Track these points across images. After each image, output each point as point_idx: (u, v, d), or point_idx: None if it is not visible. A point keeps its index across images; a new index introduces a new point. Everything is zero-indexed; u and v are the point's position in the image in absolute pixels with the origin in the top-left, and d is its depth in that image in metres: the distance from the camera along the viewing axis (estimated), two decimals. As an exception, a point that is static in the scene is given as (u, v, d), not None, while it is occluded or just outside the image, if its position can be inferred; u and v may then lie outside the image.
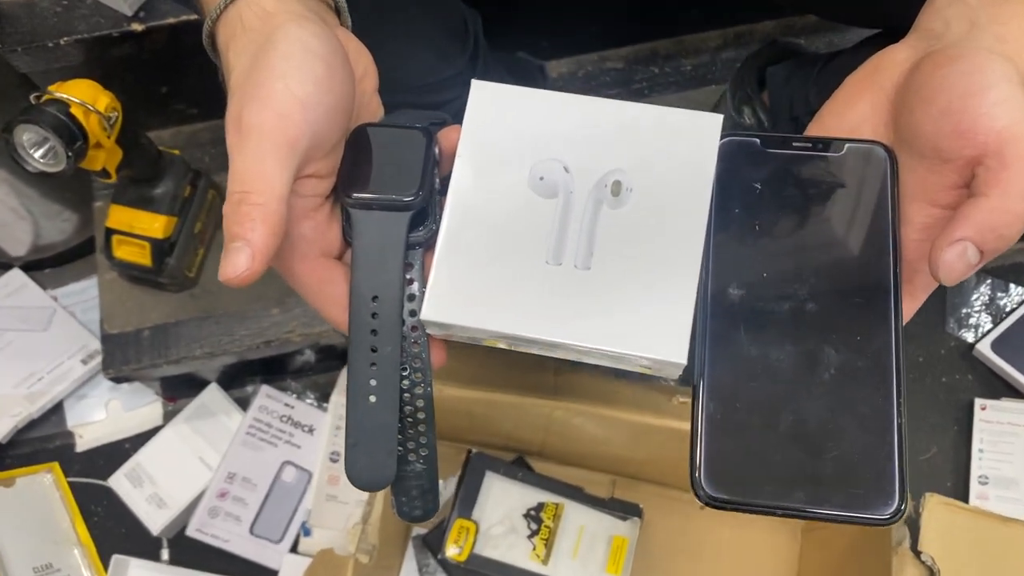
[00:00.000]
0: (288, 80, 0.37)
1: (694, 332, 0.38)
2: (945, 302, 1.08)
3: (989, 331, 1.05)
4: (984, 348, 1.03)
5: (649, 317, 0.38)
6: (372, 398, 0.40)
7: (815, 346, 0.36)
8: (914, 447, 1.02)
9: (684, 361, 0.37)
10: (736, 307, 0.37)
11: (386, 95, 0.55)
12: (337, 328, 0.41)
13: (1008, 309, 1.06)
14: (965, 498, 0.98)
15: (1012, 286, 1.07)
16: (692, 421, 0.36)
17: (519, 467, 0.96)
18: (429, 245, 0.41)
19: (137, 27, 0.81)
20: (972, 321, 1.07)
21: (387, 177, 0.40)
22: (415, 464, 0.42)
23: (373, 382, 0.40)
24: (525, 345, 0.40)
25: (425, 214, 0.41)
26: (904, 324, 0.37)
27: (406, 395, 0.41)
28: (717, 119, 0.40)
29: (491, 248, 0.39)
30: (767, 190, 0.39)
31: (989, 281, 1.08)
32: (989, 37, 0.37)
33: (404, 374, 0.41)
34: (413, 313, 0.41)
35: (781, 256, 0.38)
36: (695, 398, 0.36)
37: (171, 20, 0.82)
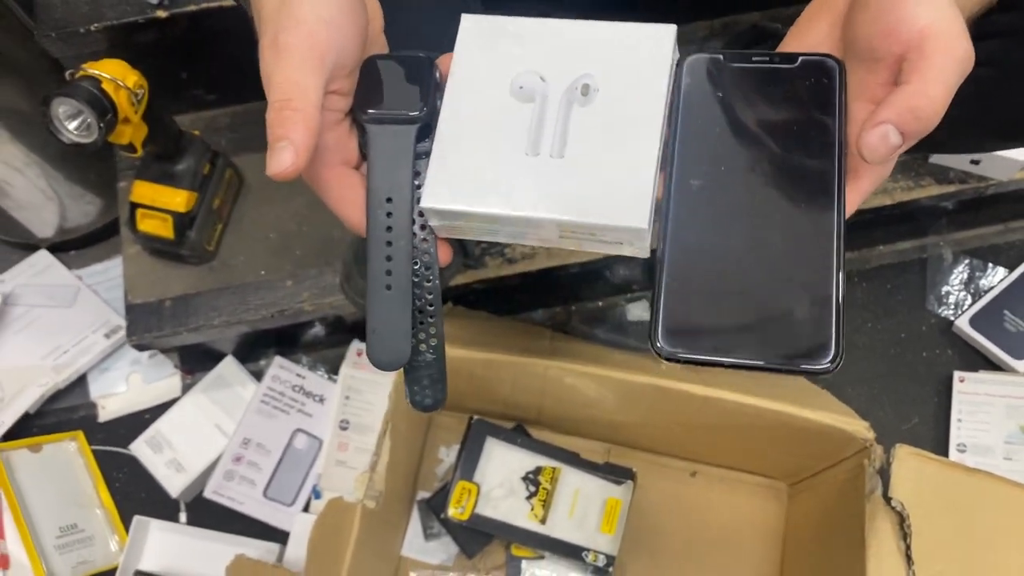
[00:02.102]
0: (315, 5, 0.43)
1: (658, 212, 0.43)
2: (926, 282, 1.13)
3: (967, 308, 1.10)
4: (963, 324, 1.08)
5: (615, 193, 0.43)
6: (388, 287, 0.45)
7: (766, 224, 0.41)
8: (897, 417, 1.07)
9: (645, 226, 0.42)
10: (696, 195, 0.43)
11: None
12: (352, 228, 0.47)
13: (986, 287, 1.11)
14: (944, 465, 1.03)
15: (990, 265, 1.12)
16: (653, 289, 0.41)
17: (518, 434, 1.01)
18: None
19: (161, 13, 0.88)
20: (951, 299, 1.12)
21: (396, 96, 0.46)
22: (426, 354, 0.48)
23: (389, 273, 0.45)
24: (511, 229, 0.46)
25: (429, 128, 0.47)
26: (851, 210, 0.42)
27: (416, 289, 0.47)
28: (671, 28, 0.46)
29: (479, 146, 0.45)
30: (729, 98, 0.44)
31: (967, 261, 1.13)
32: None
33: (415, 268, 0.47)
34: (421, 214, 0.46)
35: (739, 153, 0.43)
36: (656, 271, 0.41)
37: (192, 7, 0.88)
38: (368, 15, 0.48)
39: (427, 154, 0.46)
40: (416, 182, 0.46)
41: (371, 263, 0.45)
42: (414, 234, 0.46)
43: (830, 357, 0.38)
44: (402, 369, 0.47)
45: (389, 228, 0.45)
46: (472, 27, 0.48)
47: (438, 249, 0.48)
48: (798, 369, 0.39)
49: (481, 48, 0.47)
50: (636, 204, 0.43)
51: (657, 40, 0.46)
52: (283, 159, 0.41)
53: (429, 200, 0.45)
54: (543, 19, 0.47)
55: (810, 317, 0.39)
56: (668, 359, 0.40)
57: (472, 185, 0.45)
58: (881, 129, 0.39)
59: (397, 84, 0.47)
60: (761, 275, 0.40)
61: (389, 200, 0.45)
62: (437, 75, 0.47)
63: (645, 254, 0.44)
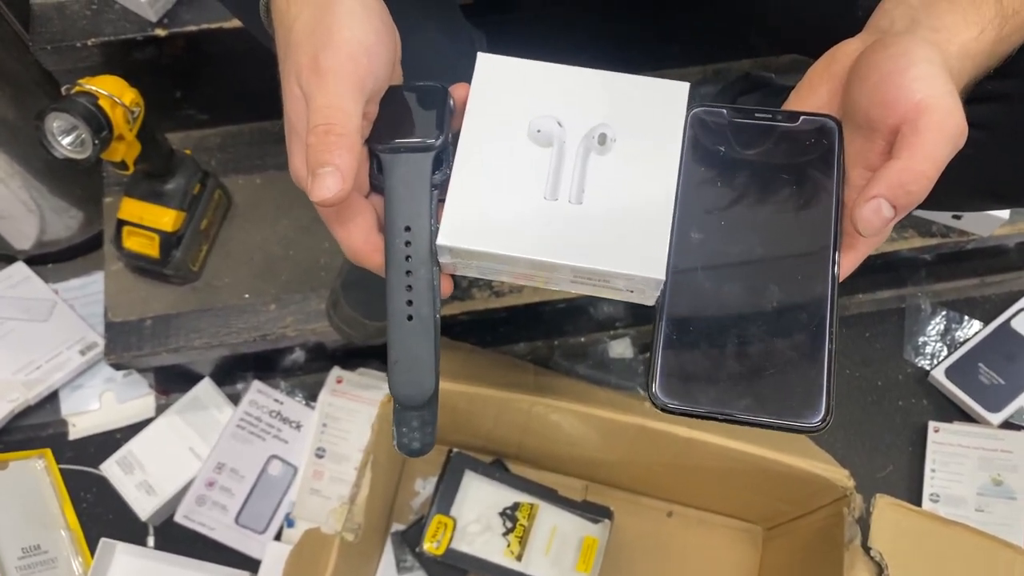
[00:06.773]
0: (355, 30, 0.43)
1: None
2: (903, 331, 1.15)
3: (943, 359, 1.11)
4: (938, 375, 1.10)
5: (632, 241, 0.44)
6: (410, 318, 0.45)
7: (763, 283, 0.42)
8: (871, 465, 1.08)
9: (662, 277, 0.43)
10: (697, 248, 0.43)
11: None
12: (352, 254, 0.46)
13: (962, 339, 1.13)
14: (917, 514, 1.03)
15: (966, 318, 1.14)
16: (652, 341, 0.42)
17: (497, 468, 1.01)
18: (444, 190, 0.46)
19: (160, 32, 0.87)
20: (928, 350, 1.13)
21: (412, 125, 0.46)
22: None
23: (410, 303, 0.45)
24: (523, 271, 0.46)
25: (441, 159, 0.47)
26: (844, 275, 0.42)
27: None
28: (685, 86, 0.47)
29: (497, 187, 0.46)
30: (731, 153, 0.45)
31: (944, 313, 1.15)
32: (925, 29, 0.43)
33: None
34: None
35: (739, 207, 0.44)
36: (656, 322, 0.42)
37: (192, 28, 0.88)
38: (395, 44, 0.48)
39: (437, 187, 0.46)
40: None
41: (391, 293, 0.45)
42: None
43: (820, 416, 0.39)
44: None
45: (408, 257, 0.45)
46: (488, 67, 0.48)
47: (441, 282, 0.47)
48: (789, 426, 0.39)
49: (498, 89, 0.47)
50: (653, 255, 0.43)
51: (672, 95, 0.46)
52: (330, 185, 0.41)
53: (446, 238, 0.45)
54: (557, 65, 0.48)
55: (803, 376, 0.40)
56: (663, 410, 0.40)
57: (490, 225, 0.45)
58: (874, 203, 0.40)
59: (413, 114, 0.47)
60: (757, 333, 0.41)
61: (408, 229, 0.45)
62: (451, 103, 0.48)
63: (651, 302, 0.45)
